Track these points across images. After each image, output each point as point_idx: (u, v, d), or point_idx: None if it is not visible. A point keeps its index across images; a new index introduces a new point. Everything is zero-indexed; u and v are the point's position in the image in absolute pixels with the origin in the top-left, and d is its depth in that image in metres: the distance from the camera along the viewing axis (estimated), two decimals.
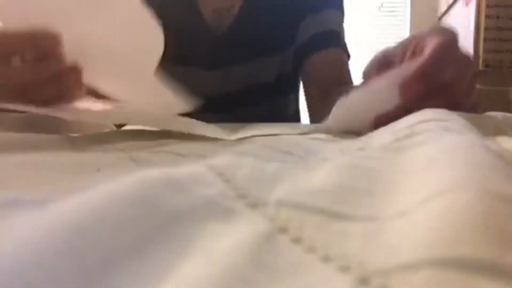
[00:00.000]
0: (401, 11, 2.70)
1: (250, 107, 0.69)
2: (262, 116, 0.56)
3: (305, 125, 0.46)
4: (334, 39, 0.70)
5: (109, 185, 0.11)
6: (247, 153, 0.17)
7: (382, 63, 0.41)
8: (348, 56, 0.72)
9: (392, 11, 2.72)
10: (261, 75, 0.69)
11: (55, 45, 0.36)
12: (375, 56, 0.42)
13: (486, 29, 1.69)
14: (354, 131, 0.36)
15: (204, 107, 0.41)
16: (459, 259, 0.08)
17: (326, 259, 0.09)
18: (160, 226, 0.10)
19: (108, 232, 0.09)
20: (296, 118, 0.78)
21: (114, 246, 0.09)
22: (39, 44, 0.36)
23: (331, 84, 0.65)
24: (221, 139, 0.34)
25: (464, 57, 0.35)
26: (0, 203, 0.14)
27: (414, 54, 0.36)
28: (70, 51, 0.37)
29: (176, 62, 0.63)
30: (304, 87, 0.74)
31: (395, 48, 0.40)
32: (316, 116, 0.69)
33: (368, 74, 0.42)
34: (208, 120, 0.42)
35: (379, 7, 2.71)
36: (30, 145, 0.30)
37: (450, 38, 0.34)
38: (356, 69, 0.68)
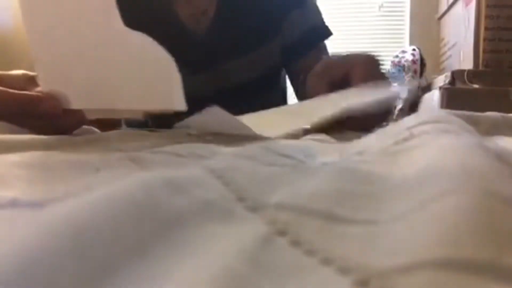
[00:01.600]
0: (401, 11, 2.70)
1: (241, 105, 0.70)
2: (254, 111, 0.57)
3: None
4: (319, 35, 0.72)
5: (108, 187, 0.11)
6: (247, 155, 0.17)
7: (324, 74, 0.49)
8: (329, 35, 0.73)
9: (392, 11, 2.71)
10: (247, 71, 0.71)
11: (55, 109, 0.37)
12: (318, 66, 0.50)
13: (486, 29, 1.70)
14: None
15: (192, 110, 0.42)
16: (459, 261, 0.08)
17: (325, 261, 0.09)
18: (159, 229, 0.10)
19: (107, 233, 0.09)
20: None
21: (113, 247, 0.09)
22: (39, 109, 0.37)
23: None
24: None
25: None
26: None
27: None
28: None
29: None
30: (292, 80, 0.76)
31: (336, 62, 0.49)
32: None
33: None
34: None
35: (379, 7, 2.71)
36: (30, 145, 0.30)
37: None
38: None
